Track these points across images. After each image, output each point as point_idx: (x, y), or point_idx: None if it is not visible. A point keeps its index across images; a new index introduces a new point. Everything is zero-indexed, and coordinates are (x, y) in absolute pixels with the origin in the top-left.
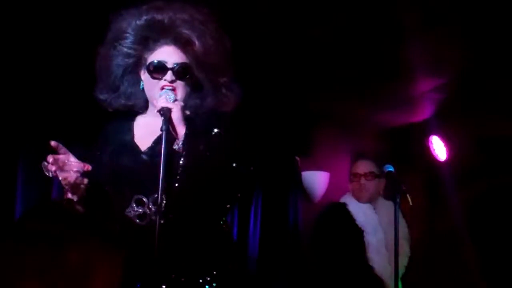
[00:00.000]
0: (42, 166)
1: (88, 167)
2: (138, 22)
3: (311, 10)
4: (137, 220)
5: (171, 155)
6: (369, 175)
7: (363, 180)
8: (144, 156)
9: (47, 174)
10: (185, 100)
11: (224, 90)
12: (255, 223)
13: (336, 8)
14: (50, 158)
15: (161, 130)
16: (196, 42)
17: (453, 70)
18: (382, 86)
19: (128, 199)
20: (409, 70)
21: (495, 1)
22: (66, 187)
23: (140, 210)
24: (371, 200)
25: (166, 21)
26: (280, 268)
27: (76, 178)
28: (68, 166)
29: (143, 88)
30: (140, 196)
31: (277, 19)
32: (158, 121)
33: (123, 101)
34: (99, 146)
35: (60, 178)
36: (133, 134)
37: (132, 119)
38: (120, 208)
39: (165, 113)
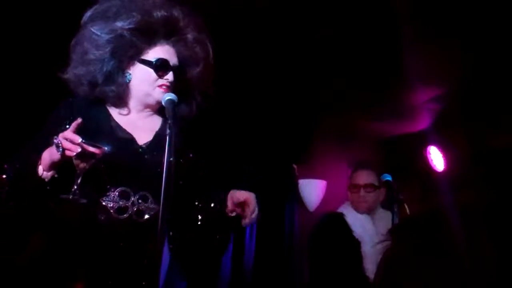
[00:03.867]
0: (55, 143)
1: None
2: (158, 13)
3: (309, 18)
4: (115, 213)
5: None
6: (369, 187)
7: (362, 192)
8: (142, 151)
9: (57, 150)
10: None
11: (195, 105)
12: (250, 233)
13: (335, 18)
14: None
15: (169, 128)
16: (200, 60)
17: (451, 80)
18: (380, 95)
19: (105, 187)
20: (408, 80)
21: (494, 14)
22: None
23: (121, 203)
24: (369, 211)
25: (181, 22)
26: (276, 278)
27: (91, 164)
28: (87, 156)
29: (129, 81)
30: (126, 189)
31: (276, 27)
32: (136, 114)
33: (113, 88)
34: (61, 120)
35: (77, 163)
36: (117, 122)
37: (99, 103)
38: (93, 195)
39: (170, 108)
